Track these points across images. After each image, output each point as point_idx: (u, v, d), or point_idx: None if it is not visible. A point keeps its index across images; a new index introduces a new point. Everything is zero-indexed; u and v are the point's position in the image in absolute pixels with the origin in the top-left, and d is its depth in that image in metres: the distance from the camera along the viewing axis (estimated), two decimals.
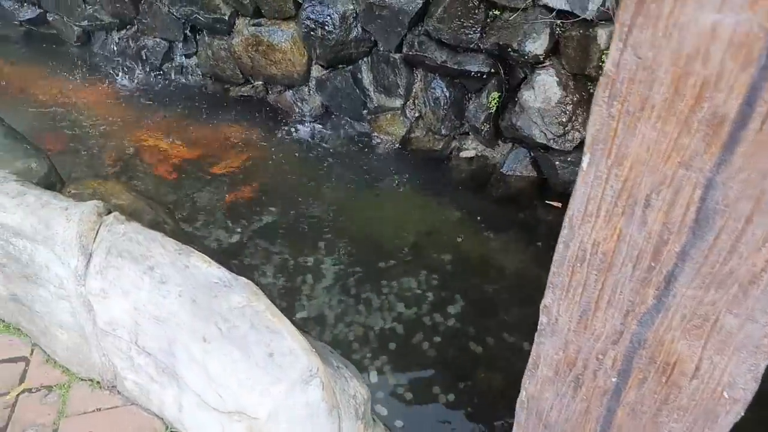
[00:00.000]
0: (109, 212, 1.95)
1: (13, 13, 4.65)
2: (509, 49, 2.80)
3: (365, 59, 3.42)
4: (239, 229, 3.13)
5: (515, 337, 2.52)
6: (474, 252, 3.05)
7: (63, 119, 3.84)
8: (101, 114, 3.91)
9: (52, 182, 2.33)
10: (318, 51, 3.37)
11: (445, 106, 3.23)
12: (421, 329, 2.54)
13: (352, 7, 3.23)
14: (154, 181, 3.40)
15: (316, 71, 3.59)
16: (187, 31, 3.87)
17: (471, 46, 2.97)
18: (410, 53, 3.14)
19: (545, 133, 2.85)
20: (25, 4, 4.58)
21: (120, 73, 4.18)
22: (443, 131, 3.31)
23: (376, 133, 3.47)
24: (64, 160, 3.44)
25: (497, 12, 2.85)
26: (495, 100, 3.03)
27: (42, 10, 4.53)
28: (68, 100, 4.03)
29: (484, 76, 3.00)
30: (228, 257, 2.97)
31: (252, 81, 3.84)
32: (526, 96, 2.84)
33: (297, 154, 3.60)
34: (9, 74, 4.28)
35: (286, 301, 2.73)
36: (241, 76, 3.83)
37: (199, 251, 1.68)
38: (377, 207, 3.29)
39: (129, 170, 3.44)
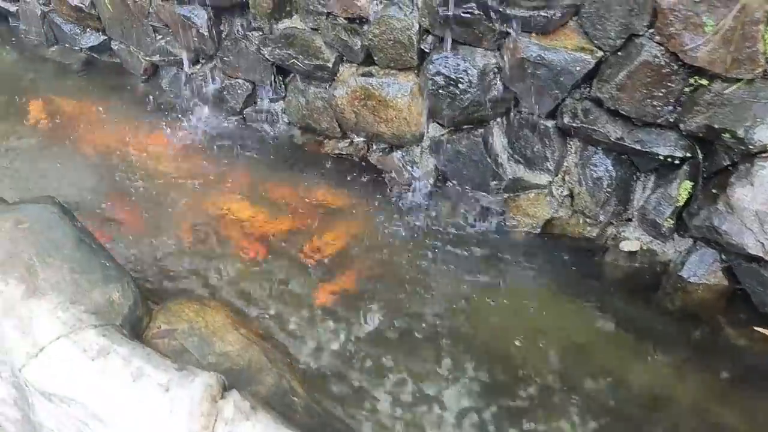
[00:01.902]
0: (224, 386, 1.35)
1: (74, 38, 4.12)
2: (725, 134, 2.11)
3: (498, 121, 2.77)
4: (339, 338, 2.52)
5: None
6: (638, 380, 2.38)
7: (126, 174, 3.28)
8: (171, 167, 3.34)
9: (139, 317, 1.74)
10: (445, 111, 2.73)
11: (609, 188, 2.56)
12: None
13: (494, 61, 2.58)
14: (234, 263, 2.81)
15: (433, 130, 2.95)
16: (276, 74, 3.27)
17: (658, 121, 2.30)
18: (571, 123, 2.48)
19: (763, 244, 2.16)
20: (88, 29, 4.05)
21: (193, 116, 3.61)
22: (601, 217, 2.64)
23: (512, 214, 2.81)
24: (129, 237, 2.88)
25: (703, 82, 2.17)
26: (686, 192, 2.35)
27: (106, 37, 3.99)
28: (132, 147, 3.47)
29: (676, 161, 2.32)
30: (331, 378, 2.36)
31: (351, 136, 3.23)
32: (740, 194, 2.15)
33: (405, 232, 2.97)
34: (66, 111, 3.75)
35: None
36: (338, 130, 3.21)
37: None
38: (509, 310, 2.64)
39: (209, 251, 2.85)
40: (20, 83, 4.05)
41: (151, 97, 3.87)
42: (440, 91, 2.67)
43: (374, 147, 3.20)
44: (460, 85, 2.62)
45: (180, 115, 3.64)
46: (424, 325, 2.60)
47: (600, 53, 2.33)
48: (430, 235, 2.96)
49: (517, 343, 2.53)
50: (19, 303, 1.67)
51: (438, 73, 2.64)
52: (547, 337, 2.54)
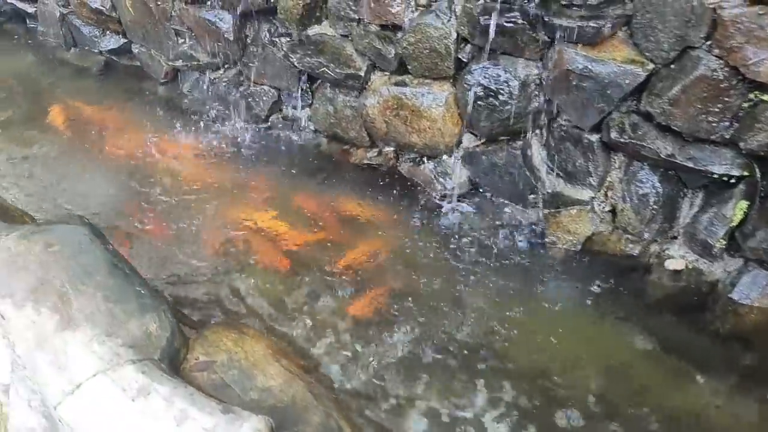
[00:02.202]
0: (272, 430, 1.27)
1: (93, 40, 4.04)
2: None
3: (537, 133, 2.67)
4: (371, 359, 2.43)
5: None
6: (683, 406, 2.27)
7: (147, 183, 3.19)
8: (193, 176, 3.25)
9: (177, 349, 1.66)
10: (483, 123, 2.63)
11: (655, 206, 2.45)
12: None
13: (536, 72, 2.47)
14: (263, 280, 2.72)
15: (467, 141, 2.85)
16: (304, 81, 3.17)
17: (713, 138, 2.19)
18: (618, 138, 2.37)
19: None
20: (108, 32, 3.96)
21: (215, 123, 3.52)
22: (646, 235, 2.53)
23: (551, 230, 2.70)
24: (153, 252, 2.80)
25: (765, 98, 2.06)
26: (742, 212, 2.24)
27: (126, 40, 3.90)
28: (152, 154, 3.38)
29: (731, 180, 2.21)
30: (364, 401, 2.27)
31: (380, 146, 3.13)
32: None
33: (437, 245, 2.87)
34: (85, 116, 3.66)
35: None
36: (367, 139, 3.12)
37: None
38: (547, 330, 2.54)
39: (236, 267, 2.76)
40: (38, 86, 3.97)
41: (171, 102, 3.78)
42: (479, 102, 2.56)
43: (404, 157, 3.10)
44: (500, 97, 2.51)
45: (202, 122, 3.54)
46: (459, 346, 2.50)
47: (651, 66, 2.22)
48: (463, 249, 2.85)
49: (556, 365, 2.43)
50: (52, 335, 1.59)
51: (477, 84, 2.53)
52: (588, 359, 2.44)
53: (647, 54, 2.21)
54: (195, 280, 2.68)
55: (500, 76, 2.49)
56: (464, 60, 2.59)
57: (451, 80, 2.70)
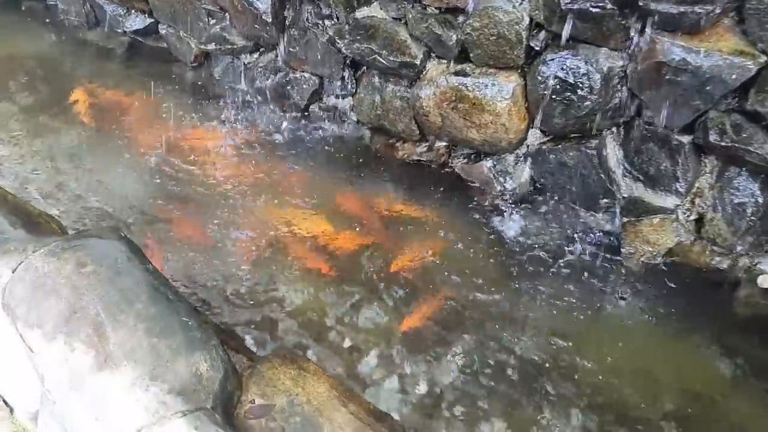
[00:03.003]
0: None
1: (117, 20, 3.78)
2: None
3: (614, 131, 2.38)
4: (426, 377, 2.22)
5: None
6: None
7: (176, 178, 2.95)
8: (225, 170, 3.00)
9: (230, 392, 1.42)
10: (556, 120, 2.35)
11: (753, 216, 2.17)
12: None
13: (620, 63, 2.18)
14: (307, 287, 2.49)
15: (532, 137, 2.58)
16: (348, 68, 2.90)
17: None
18: (718, 140, 2.08)
19: None
20: (133, 11, 3.70)
21: (249, 111, 3.26)
22: (738, 247, 2.26)
23: (628, 240, 2.43)
24: (185, 254, 2.57)
25: None
26: None
27: (153, 20, 3.64)
28: (182, 146, 3.13)
29: None
30: (419, 421, 2.06)
31: (431, 140, 2.86)
32: None
33: (495, 252, 2.62)
34: (109, 101, 3.42)
35: None
36: (417, 132, 2.85)
37: None
38: (618, 349, 2.29)
39: (277, 273, 2.53)
40: (60, 69, 3.73)
41: (201, 87, 3.53)
42: (553, 96, 2.28)
43: (458, 153, 2.83)
44: (579, 91, 2.23)
45: (235, 110, 3.29)
46: (519, 364, 2.27)
47: (764, 59, 1.92)
48: (524, 256, 2.60)
49: (629, 389, 2.19)
50: (88, 375, 1.36)
51: (553, 76, 2.25)
52: (663, 381, 2.21)
53: (760, 45, 1.92)
54: (233, 291, 2.46)
55: (580, 67, 2.20)
56: (537, 48, 2.30)
57: (520, 70, 2.41)
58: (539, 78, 2.29)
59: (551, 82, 2.26)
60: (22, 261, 1.61)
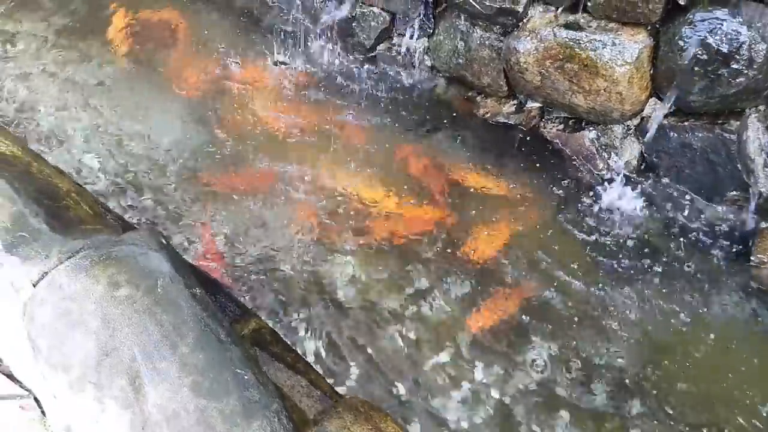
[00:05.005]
0: None
1: None
2: None
3: (761, 109, 1.91)
4: (498, 386, 1.93)
5: None
6: None
7: (218, 127, 2.60)
8: (277, 119, 2.64)
9: None
10: (696, 96, 1.87)
11: None
12: None
13: None
14: (363, 269, 2.19)
15: (650, 109, 2.11)
16: (427, 6, 2.42)
17: None
18: None
19: None
20: None
21: (308, 49, 2.83)
22: None
23: (761, 247, 2.01)
24: (227, 221, 2.27)
25: None
26: None
27: None
28: (228, 86, 2.76)
29: None
30: None
31: (522, 99, 2.41)
32: None
33: (587, 240, 2.24)
34: (151, 27, 3.01)
35: None
36: (505, 89, 2.39)
37: None
38: (726, 369, 1.96)
39: (329, 250, 2.23)
40: None
41: (250, 14, 3.06)
42: (696, 68, 1.80)
43: (552, 116, 2.38)
44: (733, 64, 1.74)
45: (291, 46, 2.85)
46: (609, 372, 1.98)
47: None
48: (622, 247, 2.22)
49: (734, 414, 1.88)
50: None
51: (699, 42, 1.75)
52: None
53: None
54: (277, 269, 2.19)
55: (740, 33, 1.70)
56: (681, 2, 1.79)
57: (650, 29, 1.91)
58: (680, 42, 1.80)
59: (695, 49, 1.77)
60: (44, 272, 1.32)
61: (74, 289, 1.26)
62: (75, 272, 1.29)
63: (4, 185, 1.48)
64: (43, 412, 1.65)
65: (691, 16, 1.78)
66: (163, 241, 1.38)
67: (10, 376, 1.68)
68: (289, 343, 1.70)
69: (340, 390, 1.84)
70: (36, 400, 1.67)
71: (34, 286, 1.31)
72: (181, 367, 1.16)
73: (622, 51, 1.95)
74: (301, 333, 2.00)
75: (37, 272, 1.33)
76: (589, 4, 1.97)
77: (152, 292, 1.26)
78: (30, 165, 1.70)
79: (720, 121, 1.95)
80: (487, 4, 2.11)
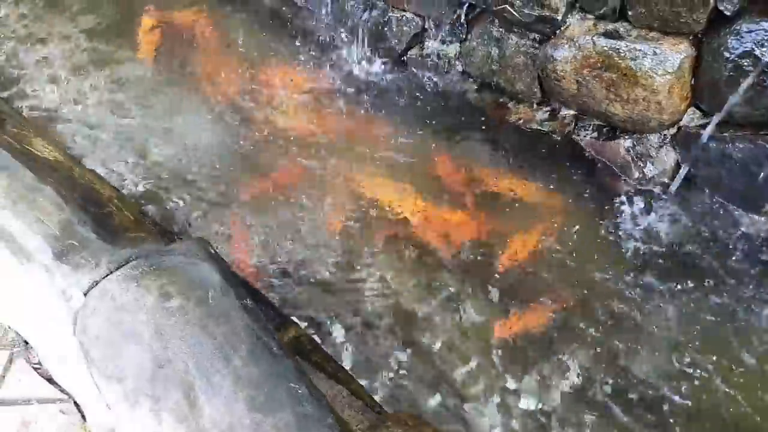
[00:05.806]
0: None
1: None
2: None
3: None
4: (528, 399, 1.91)
5: None
6: None
7: (246, 130, 2.60)
8: (304, 124, 2.63)
9: None
10: (741, 108, 1.85)
11: None
12: None
13: None
14: (393, 277, 2.19)
15: (688, 118, 2.09)
16: (461, 11, 2.41)
17: None
18: None
19: None
20: None
21: (337, 52, 2.82)
22: None
23: None
24: (255, 228, 2.27)
25: None
26: None
27: None
28: (254, 89, 2.74)
29: None
30: None
31: (556, 106, 2.39)
32: None
33: (621, 250, 2.22)
34: (177, 28, 3.02)
35: None
36: (539, 95, 2.38)
37: None
38: (759, 387, 1.94)
39: (360, 257, 2.23)
40: None
41: (280, 17, 3.06)
42: (737, 75, 1.78)
43: (586, 124, 2.36)
44: None
45: (320, 49, 2.85)
46: (643, 389, 1.96)
47: None
48: (657, 258, 2.20)
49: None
50: None
51: (746, 54, 1.73)
52: None
53: None
54: (310, 275, 2.18)
55: None
56: (727, 13, 1.77)
57: (693, 39, 1.89)
58: (725, 54, 1.78)
59: (742, 61, 1.75)
60: (95, 281, 1.33)
61: (126, 299, 1.26)
62: (126, 282, 1.29)
63: (51, 192, 1.48)
64: (83, 417, 1.66)
65: (737, 27, 1.76)
66: (212, 251, 1.38)
67: (51, 380, 1.69)
68: (329, 352, 1.70)
69: (377, 398, 1.84)
70: (76, 404, 1.68)
71: (85, 295, 1.32)
72: (235, 380, 1.16)
73: (663, 61, 1.93)
74: (338, 341, 2.00)
75: (87, 281, 1.33)
76: (630, 12, 1.95)
77: (204, 303, 1.25)
78: (72, 170, 1.71)
79: (763, 132, 1.93)
80: (526, 12, 2.09)
